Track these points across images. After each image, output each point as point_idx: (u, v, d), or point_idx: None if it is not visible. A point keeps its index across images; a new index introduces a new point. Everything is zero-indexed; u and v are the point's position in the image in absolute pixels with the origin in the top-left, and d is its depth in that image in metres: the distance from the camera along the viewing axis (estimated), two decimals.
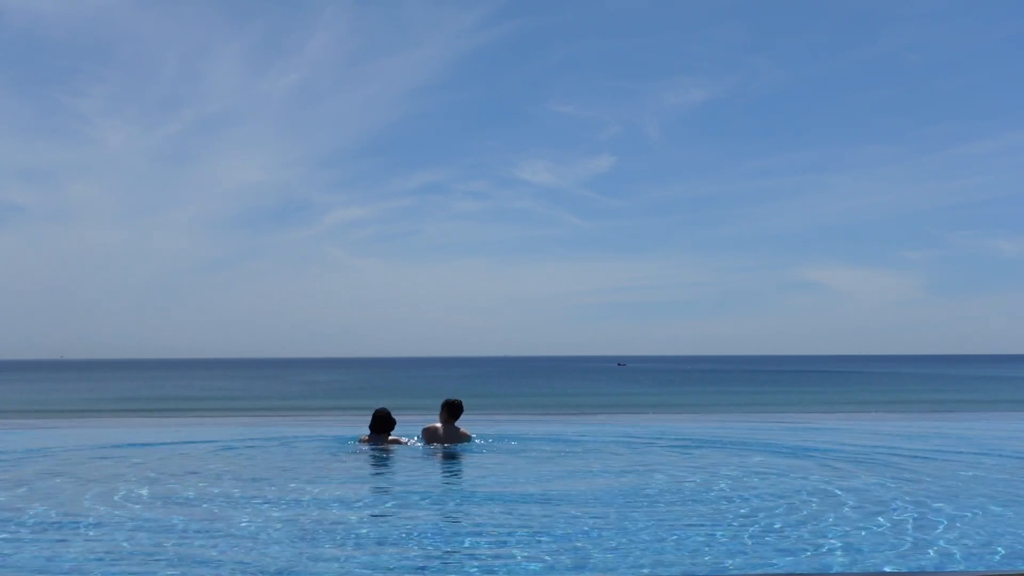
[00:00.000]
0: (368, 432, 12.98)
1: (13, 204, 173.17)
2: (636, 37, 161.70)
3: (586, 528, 7.22)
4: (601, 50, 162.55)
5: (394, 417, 13.02)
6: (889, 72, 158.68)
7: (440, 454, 12.53)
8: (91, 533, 7.13)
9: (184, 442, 14.03)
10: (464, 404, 13.21)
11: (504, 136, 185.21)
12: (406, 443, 12.86)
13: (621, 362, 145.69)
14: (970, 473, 10.20)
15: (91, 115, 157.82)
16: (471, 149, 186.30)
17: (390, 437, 12.88)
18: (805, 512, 7.81)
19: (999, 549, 6.49)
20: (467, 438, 12.91)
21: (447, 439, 12.78)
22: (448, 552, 6.52)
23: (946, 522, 7.34)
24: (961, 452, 12.40)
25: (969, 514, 7.67)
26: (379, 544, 6.80)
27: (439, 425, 12.96)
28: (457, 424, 13.01)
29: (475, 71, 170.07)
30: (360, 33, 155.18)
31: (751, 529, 7.13)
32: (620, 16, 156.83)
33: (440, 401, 13.41)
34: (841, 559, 6.20)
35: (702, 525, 7.29)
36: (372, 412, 13.18)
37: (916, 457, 11.65)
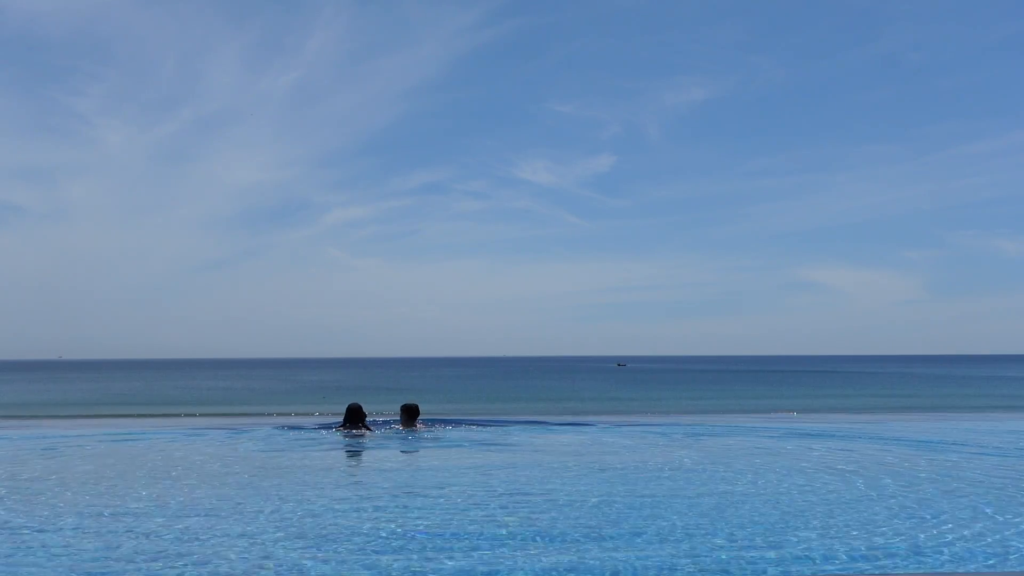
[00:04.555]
0: (343, 423, 15.60)
1: (11, 204, 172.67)
2: (636, 37, 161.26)
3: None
4: (601, 50, 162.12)
5: (365, 411, 15.81)
6: (889, 72, 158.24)
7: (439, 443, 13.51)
8: None
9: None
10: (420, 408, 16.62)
11: (504, 136, 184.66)
12: (374, 432, 15.35)
13: (621, 362, 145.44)
14: None
15: (89, 114, 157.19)
16: (471, 149, 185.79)
17: (364, 426, 15.42)
18: None
19: None
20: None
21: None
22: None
23: None
24: None
25: None
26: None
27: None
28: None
29: (475, 70, 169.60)
30: (359, 32, 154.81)
31: None
32: (620, 16, 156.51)
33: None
34: None
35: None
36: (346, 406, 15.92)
37: None
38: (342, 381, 64.02)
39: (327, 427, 16.08)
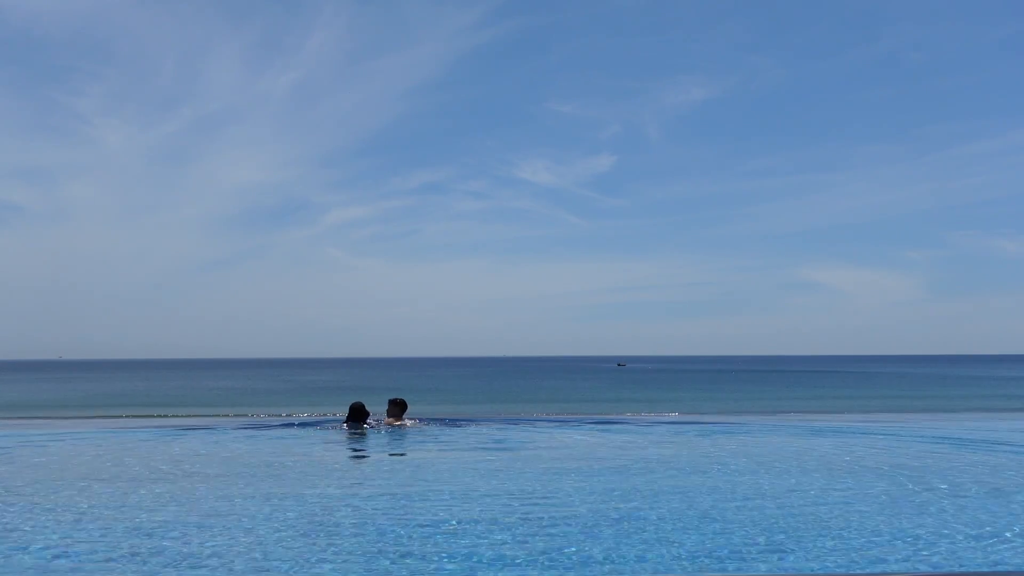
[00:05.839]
0: (345, 421, 15.95)
1: (11, 204, 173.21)
2: (636, 36, 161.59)
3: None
4: (601, 50, 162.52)
5: (368, 409, 15.97)
6: (890, 71, 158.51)
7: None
8: None
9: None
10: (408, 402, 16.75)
11: (504, 136, 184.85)
12: (374, 426, 15.72)
13: (621, 362, 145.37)
14: None
15: (89, 114, 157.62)
16: (471, 149, 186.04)
17: (365, 424, 15.81)
18: None
19: None
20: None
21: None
22: None
23: None
24: None
25: None
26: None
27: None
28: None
29: (475, 70, 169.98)
30: (359, 32, 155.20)
31: None
32: (620, 15, 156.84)
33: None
34: None
35: None
36: (348, 405, 16.16)
37: None
38: (342, 381, 64.03)
39: (328, 425, 16.13)
